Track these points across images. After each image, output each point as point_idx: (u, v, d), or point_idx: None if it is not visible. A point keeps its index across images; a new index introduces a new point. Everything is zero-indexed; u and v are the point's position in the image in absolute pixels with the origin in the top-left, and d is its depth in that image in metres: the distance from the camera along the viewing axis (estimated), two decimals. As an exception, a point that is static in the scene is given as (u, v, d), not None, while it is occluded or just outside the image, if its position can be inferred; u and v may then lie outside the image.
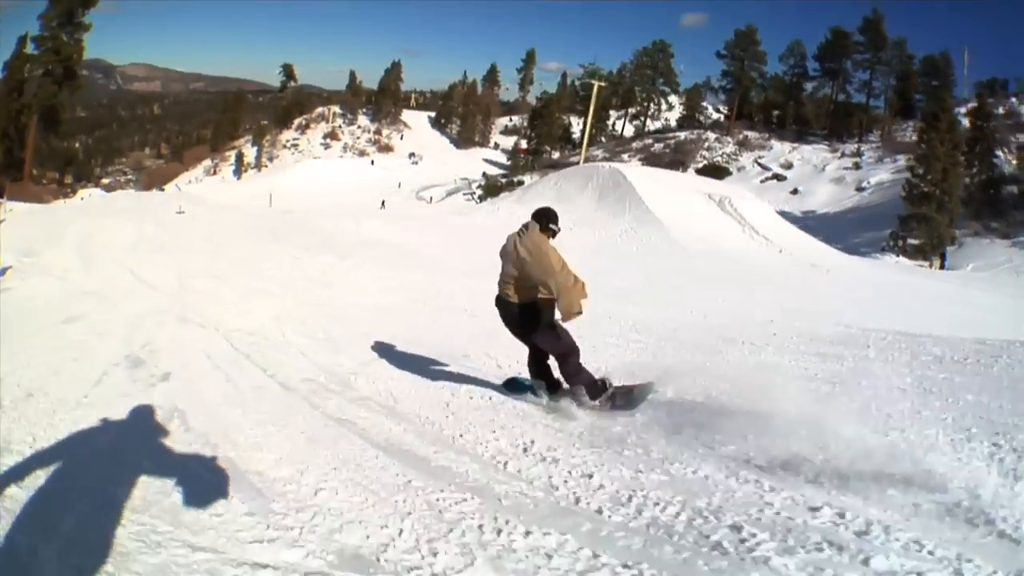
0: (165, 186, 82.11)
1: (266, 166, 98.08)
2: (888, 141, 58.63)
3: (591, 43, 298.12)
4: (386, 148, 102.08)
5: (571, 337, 5.43)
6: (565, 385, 5.54)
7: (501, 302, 5.54)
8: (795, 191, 52.43)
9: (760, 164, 56.71)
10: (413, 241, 21.10)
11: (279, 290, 11.54)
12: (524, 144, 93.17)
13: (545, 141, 77.43)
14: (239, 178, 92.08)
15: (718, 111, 79.11)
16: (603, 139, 77.30)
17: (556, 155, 76.06)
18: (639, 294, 12.64)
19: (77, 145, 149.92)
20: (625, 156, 60.99)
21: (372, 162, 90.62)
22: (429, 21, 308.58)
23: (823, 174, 54.64)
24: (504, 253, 5.48)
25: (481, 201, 54.88)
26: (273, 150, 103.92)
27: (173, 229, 22.53)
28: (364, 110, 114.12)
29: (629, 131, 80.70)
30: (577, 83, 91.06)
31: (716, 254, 22.08)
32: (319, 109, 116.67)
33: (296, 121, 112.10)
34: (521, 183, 58.84)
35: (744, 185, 51.39)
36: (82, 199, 61.47)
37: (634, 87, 79.86)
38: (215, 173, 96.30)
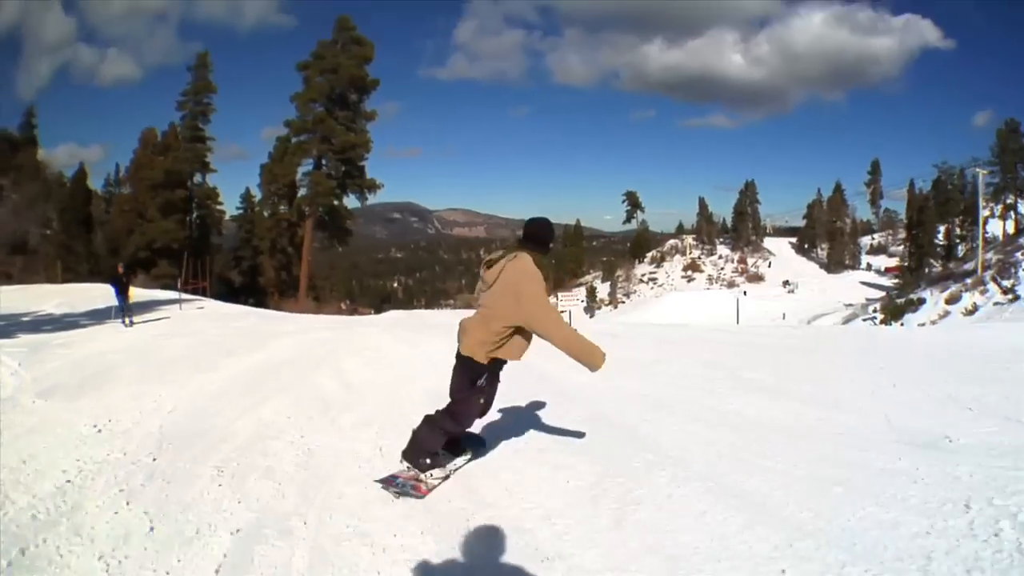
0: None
1: (622, 301, 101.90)
2: None
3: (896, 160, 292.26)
4: (756, 278, 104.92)
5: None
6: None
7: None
8: None
9: None
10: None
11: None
12: (895, 262, 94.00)
13: (927, 253, 77.50)
14: (591, 315, 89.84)
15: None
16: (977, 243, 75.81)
17: (938, 267, 75.64)
18: None
19: (396, 285, 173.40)
20: (1019, 255, 60.23)
21: (744, 292, 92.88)
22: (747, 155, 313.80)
23: None
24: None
25: (886, 324, 56.41)
26: (628, 285, 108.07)
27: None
28: (721, 239, 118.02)
29: (995, 227, 76.87)
30: (926, 189, 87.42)
31: None
32: (671, 241, 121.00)
33: (649, 255, 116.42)
34: (922, 301, 60.50)
35: None
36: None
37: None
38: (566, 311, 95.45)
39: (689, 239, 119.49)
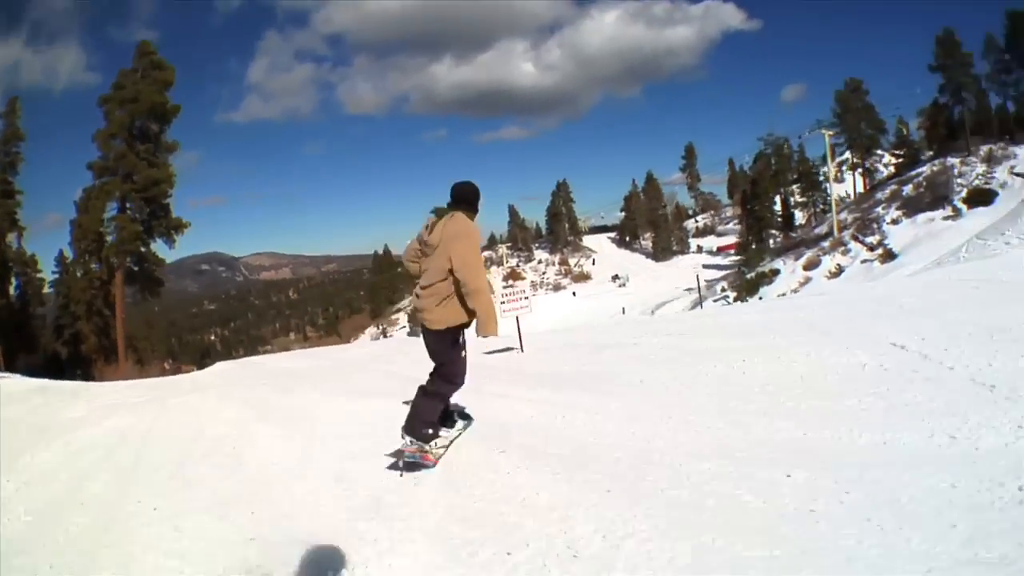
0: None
1: None
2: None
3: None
4: (582, 277, 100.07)
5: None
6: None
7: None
8: (1083, 190, 47.77)
9: (1018, 174, 51.89)
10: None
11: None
12: (729, 240, 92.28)
13: (768, 224, 73.82)
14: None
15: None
16: (830, 204, 74.36)
17: (779, 238, 72.56)
18: None
19: (213, 337, 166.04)
20: (879, 210, 57.33)
21: (574, 294, 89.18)
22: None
23: (1092, 166, 49.99)
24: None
25: (741, 300, 52.65)
26: None
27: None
28: (537, 244, 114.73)
29: (842, 189, 76.34)
30: (746, 167, 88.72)
31: None
32: (484, 253, 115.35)
33: None
34: (776, 271, 56.56)
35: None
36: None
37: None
38: (384, 338, 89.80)
39: (503, 248, 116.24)
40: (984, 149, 56.12)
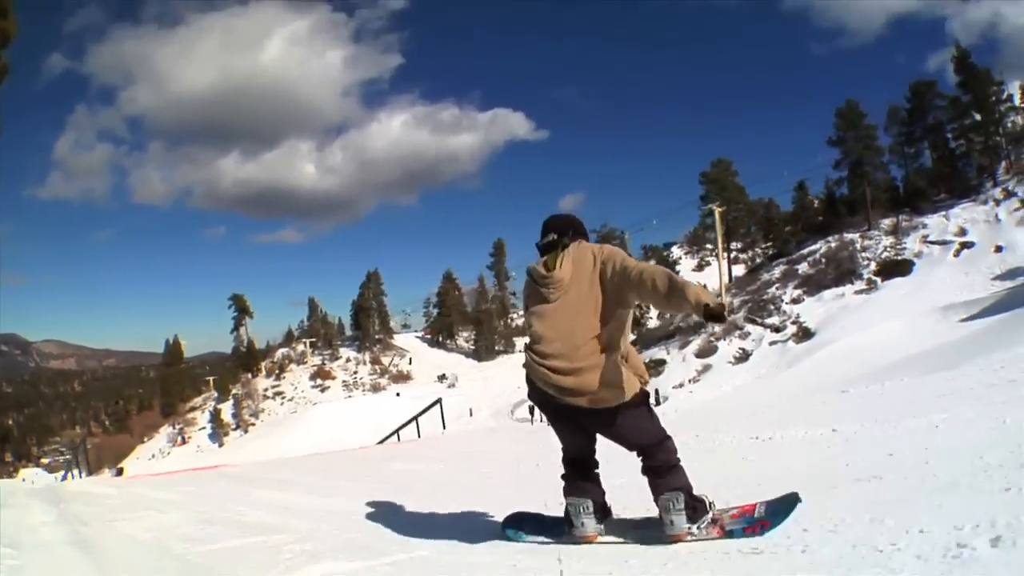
0: (122, 465, 69.16)
1: (252, 424, 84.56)
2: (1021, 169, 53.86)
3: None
4: (402, 377, 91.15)
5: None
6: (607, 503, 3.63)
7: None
8: (999, 248, 47.27)
9: (935, 242, 51.71)
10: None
11: None
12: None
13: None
14: (220, 444, 78.32)
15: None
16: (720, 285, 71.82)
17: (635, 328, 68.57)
18: None
19: (10, 422, 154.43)
20: (773, 290, 54.88)
21: (398, 394, 78.11)
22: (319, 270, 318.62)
23: (1000, 225, 49.43)
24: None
25: None
26: (253, 403, 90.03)
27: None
28: (340, 341, 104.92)
29: (702, 276, 71.65)
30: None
31: None
32: (282, 350, 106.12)
33: (262, 366, 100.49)
34: (662, 362, 52.36)
35: (944, 267, 46.97)
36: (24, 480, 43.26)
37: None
38: (183, 442, 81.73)
39: (301, 346, 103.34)
40: (886, 222, 55.04)
